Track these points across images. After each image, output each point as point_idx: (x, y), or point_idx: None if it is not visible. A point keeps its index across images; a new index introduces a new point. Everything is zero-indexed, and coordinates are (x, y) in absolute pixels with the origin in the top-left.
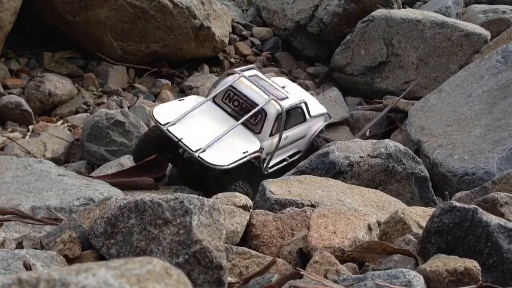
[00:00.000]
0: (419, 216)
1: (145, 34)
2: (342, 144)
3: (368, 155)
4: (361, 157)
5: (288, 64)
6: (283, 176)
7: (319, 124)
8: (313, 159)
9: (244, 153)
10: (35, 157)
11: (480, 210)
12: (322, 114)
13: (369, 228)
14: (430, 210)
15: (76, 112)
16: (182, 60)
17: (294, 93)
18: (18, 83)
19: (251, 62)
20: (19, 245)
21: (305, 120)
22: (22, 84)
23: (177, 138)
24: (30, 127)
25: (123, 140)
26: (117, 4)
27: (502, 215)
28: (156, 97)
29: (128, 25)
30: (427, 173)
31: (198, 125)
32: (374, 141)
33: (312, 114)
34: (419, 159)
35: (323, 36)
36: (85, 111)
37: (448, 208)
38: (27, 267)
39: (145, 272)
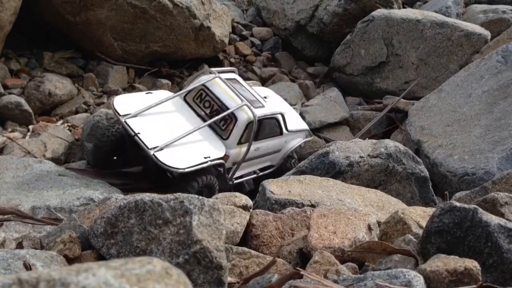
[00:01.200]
0: (419, 216)
1: (145, 34)
2: (342, 144)
3: (368, 155)
4: (361, 157)
5: (288, 64)
6: (283, 176)
7: (297, 140)
8: (313, 159)
9: (205, 158)
10: (35, 157)
11: (480, 210)
12: (301, 130)
13: (369, 228)
14: (430, 210)
15: (76, 112)
16: (182, 60)
17: (273, 104)
18: (18, 83)
19: (251, 62)
20: (19, 245)
21: (281, 133)
22: (22, 84)
23: (133, 132)
24: (30, 127)
25: None
26: (117, 4)
27: (502, 215)
28: None
29: (128, 25)
30: (427, 173)
31: (161, 122)
32: (374, 141)
33: (289, 128)
34: (419, 159)
35: (323, 36)
36: (85, 111)
37: (448, 208)
38: (27, 267)
39: (145, 272)
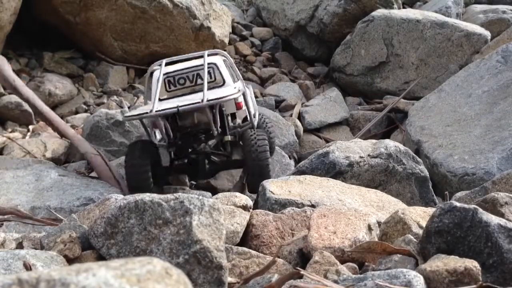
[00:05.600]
0: (419, 216)
1: (145, 34)
2: (342, 144)
3: (368, 155)
4: (361, 157)
5: (288, 64)
6: (283, 176)
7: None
8: (313, 159)
9: (235, 88)
10: (35, 157)
11: (480, 210)
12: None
13: (369, 228)
14: (430, 210)
15: (76, 112)
16: None
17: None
18: None
19: (251, 62)
20: (19, 245)
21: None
22: None
23: (175, 107)
24: (30, 127)
25: (123, 140)
26: (117, 4)
27: (502, 215)
28: None
29: (128, 25)
30: (427, 173)
31: (179, 100)
32: (374, 141)
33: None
34: (419, 159)
35: (323, 36)
36: (85, 111)
37: (448, 208)
38: (27, 267)
39: (145, 272)
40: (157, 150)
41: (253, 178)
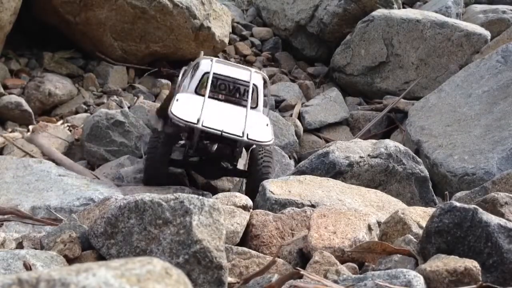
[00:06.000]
0: (419, 216)
1: (145, 34)
2: (342, 144)
3: (368, 155)
4: (361, 157)
5: (288, 64)
6: (283, 176)
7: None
8: (313, 159)
9: (267, 125)
10: (35, 157)
11: (480, 210)
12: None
13: (369, 228)
14: (430, 210)
15: (76, 112)
16: (182, 60)
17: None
18: (18, 83)
19: (251, 62)
20: (19, 245)
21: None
22: (22, 84)
23: (219, 130)
24: (30, 127)
25: (123, 140)
26: (117, 4)
27: (502, 215)
28: (156, 97)
29: (128, 25)
30: (427, 173)
31: (219, 114)
32: (374, 141)
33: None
34: (419, 159)
35: (323, 36)
36: (85, 111)
37: (448, 208)
38: (27, 267)
39: (145, 272)
40: (175, 143)
41: (252, 193)
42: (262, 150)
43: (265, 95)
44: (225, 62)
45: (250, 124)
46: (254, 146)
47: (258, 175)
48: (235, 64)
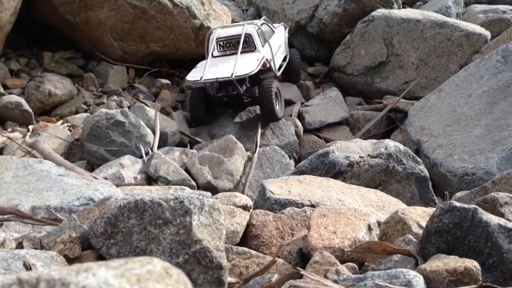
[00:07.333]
0: (419, 216)
1: (145, 34)
2: (342, 144)
3: (368, 155)
4: (361, 157)
5: None
6: (283, 176)
7: (282, 32)
8: (313, 159)
9: (257, 60)
10: (35, 157)
11: (480, 210)
12: (280, 25)
13: (369, 228)
14: (430, 210)
15: (76, 112)
16: (182, 60)
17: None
18: (18, 83)
19: None
20: (19, 245)
21: (273, 32)
22: (22, 84)
23: (214, 78)
24: (30, 127)
25: (123, 140)
26: (117, 4)
27: (502, 215)
28: (156, 97)
29: (128, 25)
30: (427, 173)
31: (219, 67)
32: (374, 141)
33: (275, 26)
34: (419, 159)
35: (323, 36)
36: (85, 111)
37: (448, 208)
38: (27, 267)
39: (145, 272)
40: (207, 93)
41: (264, 113)
42: (265, 78)
43: (261, 36)
44: (228, 26)
45: (240, 64)
46: (260, 77)
47: (264, 95)
48: (236, 24)
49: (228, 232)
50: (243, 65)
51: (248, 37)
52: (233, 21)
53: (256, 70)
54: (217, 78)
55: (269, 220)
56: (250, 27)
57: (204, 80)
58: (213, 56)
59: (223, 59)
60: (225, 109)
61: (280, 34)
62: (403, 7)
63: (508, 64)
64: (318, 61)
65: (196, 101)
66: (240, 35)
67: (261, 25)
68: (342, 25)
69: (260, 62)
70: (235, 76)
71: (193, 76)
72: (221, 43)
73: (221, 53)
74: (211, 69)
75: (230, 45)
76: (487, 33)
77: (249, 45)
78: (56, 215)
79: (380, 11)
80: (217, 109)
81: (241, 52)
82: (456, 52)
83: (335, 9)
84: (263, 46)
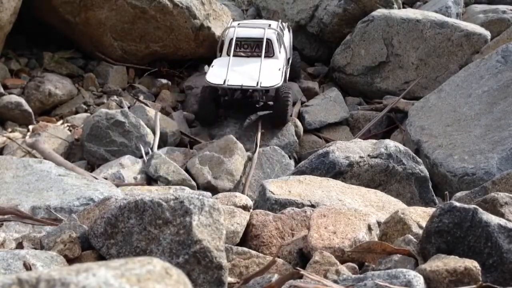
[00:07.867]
0: (419, 216)
1: (145, 34)
2: (342, 144)
3: (368, 155)
4: (361, 157)
5: None
6: (283, 176)
7: (288, 34)
8: (313, 159)
9: (279, 69)
10: (35, 157)
11: (480, 210)
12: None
13: (369, 228)
14: (430, 210)
15: (76, 112)
16: (182, 60)
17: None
18: (18, 83)
19: None
20: (19, 245)
21: (283, 35)
22: (22, 84)
23: (239, 85)
24: (30, 127)
25: (123, 140)
26: (117, 4)
27: (502, 215)
28: (156, 97)
29: (128, 25)
30: (427, 173)
31: (242, 71)
32: (374, 141)
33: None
34: (419, 159)
35: (323, 36)
36: (85, 111)
37: (448, 208)
38: (27, 267)
39: (145, 272)
40: (218, 93)
41: (278, 120)
42: (282, 86)
43: (280, 41)
44: (246, 24)
45: (264, 72)
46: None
47: (281, 103)
48: (255, 23)
49: (228, 232)
50: (267, 75)
51: (269, 42)
52: (233, 21)
53: (281, 84)
54: (242, 86)
55: (269, 220)
56: (270, 32)
57: (228, 85)
58: (229, 54)
59: (242, 61)
60: (233, 112)
61: (287, 37)
62: (403, 7)
63: (508, 64)
64: (318, 61)
65: (208, 102)
66: (262, 39)
67: (280, 29)
68: (342, 25)
69: (282, 73)
70: (261, 87)
71: (215, 78)
72: (239, 43)
73: (240, 53)
74: (234, 74)
75: (248, 47)
76: (487, 33)
77: (268, 50)
78: (56, 215)
79: (380, 11)
80: (225, 111)
81: (264, 57)
82: (456, 52)
83: (335, 9)
84: (280, 52)
